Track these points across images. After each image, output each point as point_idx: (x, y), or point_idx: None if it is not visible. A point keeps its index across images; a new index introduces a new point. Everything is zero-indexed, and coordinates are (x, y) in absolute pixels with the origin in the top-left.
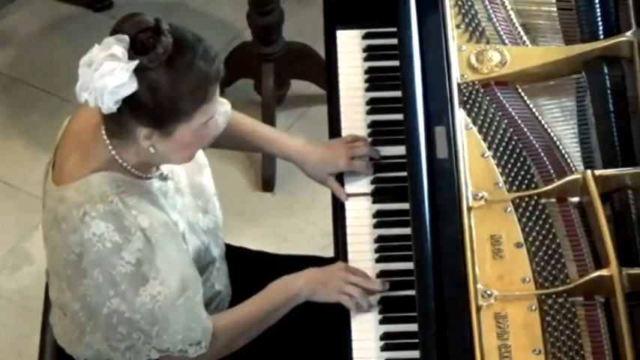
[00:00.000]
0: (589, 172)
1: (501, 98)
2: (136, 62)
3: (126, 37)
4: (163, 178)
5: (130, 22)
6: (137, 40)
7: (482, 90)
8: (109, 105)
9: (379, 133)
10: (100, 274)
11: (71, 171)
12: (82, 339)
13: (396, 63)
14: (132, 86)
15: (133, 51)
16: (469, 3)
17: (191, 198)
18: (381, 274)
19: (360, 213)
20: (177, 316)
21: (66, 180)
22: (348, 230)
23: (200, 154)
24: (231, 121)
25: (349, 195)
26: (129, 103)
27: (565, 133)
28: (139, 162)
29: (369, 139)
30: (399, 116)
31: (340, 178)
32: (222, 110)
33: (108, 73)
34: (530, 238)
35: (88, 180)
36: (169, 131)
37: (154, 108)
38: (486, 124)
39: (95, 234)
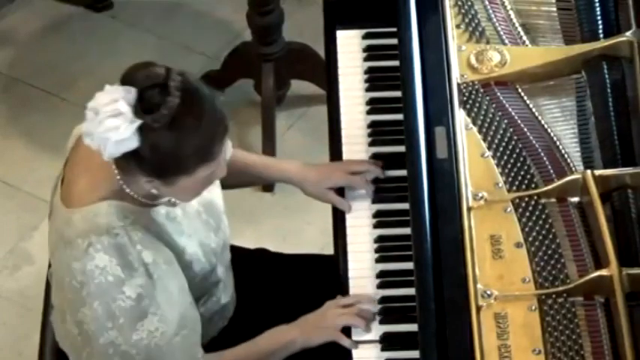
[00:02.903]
0: (589, 172)
1: (501, 98)
2: (139, 122)
3: (133, 92)
4: (172, 204)
5: (140, 74)
6: (144, 97)
7: (482, 90)
8: (111, 154)
9: (379, 133)
10: (99, 306)
11: (80, 195)
12: None
13: (396, 63)
14: (134, 143)
15: (140, 107)
16: (469, 3)
17: (204, 216)
18: (381, 275)
19: (360, 213)
20: (173, 354)
21: (74, 203)
22: (348, 230)
23: None
24: (234, 159)
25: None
26: (131, 153)
27: (565, 133)
28: (147, 195)
29: (370, 139)
30: (399, 116)
31: (341, 190)
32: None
33: (112, 129)
34: (530, 238)
35: (96, 207)
36: (171, 181)
37: (155, 163)
38: (486, 124)
39: (98, 266)
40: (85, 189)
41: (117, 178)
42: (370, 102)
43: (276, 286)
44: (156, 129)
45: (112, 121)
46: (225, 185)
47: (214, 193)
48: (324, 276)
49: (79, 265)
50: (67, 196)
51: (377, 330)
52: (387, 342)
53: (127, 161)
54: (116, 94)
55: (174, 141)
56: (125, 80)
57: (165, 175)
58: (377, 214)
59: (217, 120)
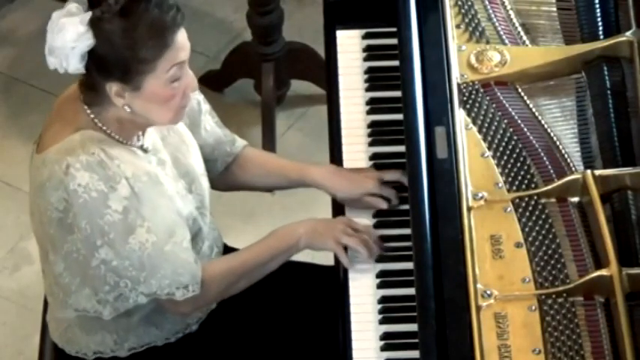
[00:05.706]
0: (589, 172)
1: (501, 98)
2: (89, 14)
3: None
4: (144, 150)
5: None
6: None
7: (482, 90)
8: (75, 64)
9: (379, 133)
10: (87, 225)
11: (52, 137)
12: (67, 301)
13: (396, 63)
14: (89, 39)
15: (89, 5)
16: (469, 3)
17: (174, 171)
18: (381, 274)
19: (359, 213)
20: (166, 263)
21: (47, 146)
22: None
23: (187, 134)
24: (261, 160)
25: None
26: (93, 59)
27: (565, 133)
28: (120, 127)
29: (370, 139)
30: (399, 116)
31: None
32: (240, 143)
33: (64, 29)
34: (530, 238)
35: (69, 139)
36: (138, 84)
37: (115, 59)
38: (486, 124)
39: (80, 185)
40: (56, 131)
41: (87, 113)
42: (370, 102)
43: (273, 289)
44: (107, 19)
45: (63, 21)
46: (257, 185)
47: (191, 156)
48: (322, 282)
49: (59, 192)
50: (40, 146)
51: (377, 330)
52: (387, 342)
53: (93, 77)
54: (68, 3)
55: (126, 28)
56: None
57: (130, 75)
58: (377, 215)
59: (166, 7)
